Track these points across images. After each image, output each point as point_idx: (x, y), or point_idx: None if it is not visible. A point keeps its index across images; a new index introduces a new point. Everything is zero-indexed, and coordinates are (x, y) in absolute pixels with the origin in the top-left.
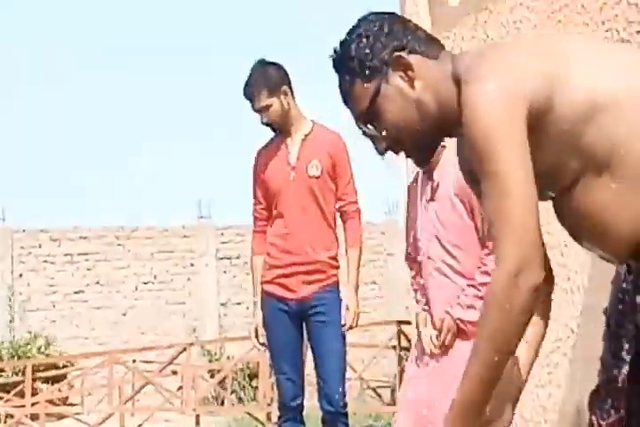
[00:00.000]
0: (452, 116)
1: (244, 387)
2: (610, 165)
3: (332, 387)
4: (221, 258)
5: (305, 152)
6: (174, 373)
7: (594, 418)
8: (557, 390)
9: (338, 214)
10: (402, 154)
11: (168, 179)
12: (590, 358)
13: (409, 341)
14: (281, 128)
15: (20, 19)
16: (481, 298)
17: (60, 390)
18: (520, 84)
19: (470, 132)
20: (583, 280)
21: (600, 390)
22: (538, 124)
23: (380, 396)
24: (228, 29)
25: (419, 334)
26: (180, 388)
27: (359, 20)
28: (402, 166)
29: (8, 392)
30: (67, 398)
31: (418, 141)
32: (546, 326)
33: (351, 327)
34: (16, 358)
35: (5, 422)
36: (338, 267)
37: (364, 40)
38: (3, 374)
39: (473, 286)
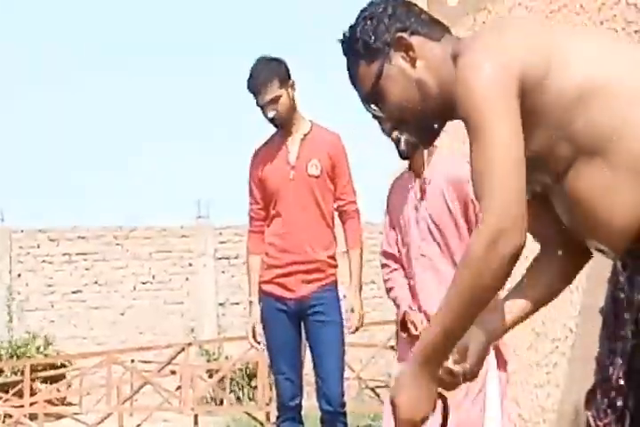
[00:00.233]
0: (452, 96)
1: (242, 387)
2: (602, 151)
3: (331, 387)
4: (220, 258)
5: (305, 151)
6: (173, 373)
7: (590, 418)
8: (556, 389)
9: (336, 214)
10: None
11: (167, 179)
12: (589, 358)
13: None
14: (285, 124)
15: (19, 19)
16: None
17: (58, 390)
18: (512, 58)
19: (460, 96)
20: (582, 280)
21: (596, 389)
22: (529, 102)
23: (378, 396)
24: (228, 29)
25: (401, 333)
26: (179, 388)
27: (367, 4)
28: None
29: (7, 392)
30: (65, 397)
31: (420, 122)
32: (560, 289)
33: (357, 329)
34: (15, 358)
35: (4, 421)
36: (336, 266)
37: (369, 22)
38: (1, 374)
39: None
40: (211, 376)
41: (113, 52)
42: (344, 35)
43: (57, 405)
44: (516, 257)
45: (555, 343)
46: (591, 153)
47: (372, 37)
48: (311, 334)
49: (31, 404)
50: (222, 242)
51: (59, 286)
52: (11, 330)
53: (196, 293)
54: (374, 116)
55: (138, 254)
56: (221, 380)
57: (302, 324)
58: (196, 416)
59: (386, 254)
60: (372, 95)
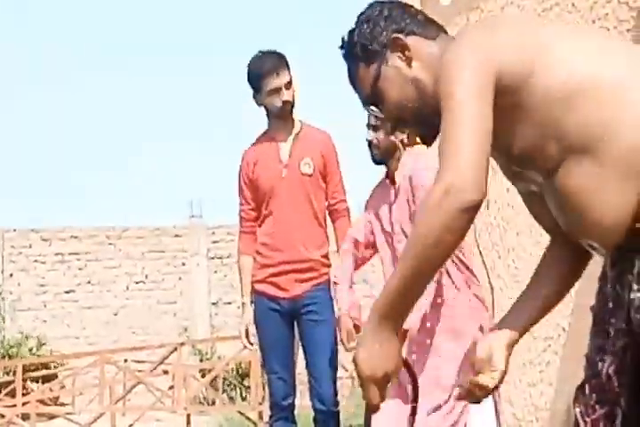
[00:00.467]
0: None
1: (235, 386)
2: (591, 150)
3: (324, 386)
4: (212, 257)
5: (297, 150)
6: (165, 372)
7: (578, 414)
8: (549, 388)
9: (327, 213)
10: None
11: (159, 178)
12: (581, 357)
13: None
14: (289, 114)
15: (20, 19)
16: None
17: (51, 390)
18: (495, 54)
19: (439, 83)
20: None
21: (585, 385)
22: (515, 100)
23: None
24: (229, 29)
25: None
26: (172, 387)
27: (365, 8)
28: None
29: None
30: (58, 397)
31: (420, 120)
32: (569, 286)
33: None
34: (7, 358)
35: None
36: (330, 265)
37: (365, 25)
38: None
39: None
40: (203, 376)
41: (113, 52)
42: (342, 40)
43: (49, 405)
44: (467, 212)
45: (547, 342)
46: (580, 152)
47: (369, 40)
48: (304, 334)
49: (23, 404)
50: (215, 241)
51: (51, 286)
52: (3, 330)
53: (188, 292)
54: (375, 117)
55: (131, 254)
56: (214, 379)
57: (295, 323)
58: (188, 416)
59: (357, 245)
60: (372, 97)
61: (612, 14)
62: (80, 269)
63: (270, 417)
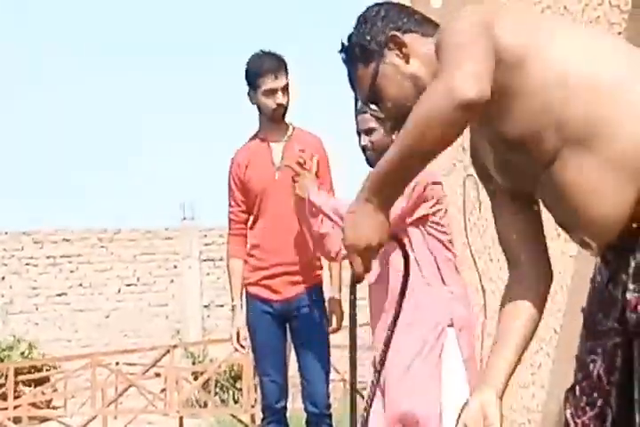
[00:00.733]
0: None
1: (227, 389)
2: (589, 145)
3: (316, 388)
4: (205, 260)
5: (289, 153)
6: (157, 375)
7: (569, 416)
8: (541, 390)
9: None
10: None
11: (151, 181)
12: (573, 359)
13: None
14: (281, 118)
15: (19, 19)
16: None
17: (43, 393)
18: (494, 27)
19: (437, 44)
20: (566, 281)
21: (575, 387)
22: (509, 77)
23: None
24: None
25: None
26: (164, 390)
27: (363, 10)
28: None
29: None
30: (50, 400)
31: None
32: (535, 326)
33: (336, 330)
34: None
35: None
36: (321, 268)
37: (363, 26)
38: None
39: None
40: (196, 379)
41: (113, 52)
42: (342, 43)
43: (41, 408)
44: (465, 108)
45: (539, 344)
46: (578, 145)
47: (367, 40)
48: (296, 336)
49: (15, 407)
50: (207, 244)
51: (43, 289)
52: None
53: (180, 295)
54: (375, 117)
55: (122, 257)
56: (206, 382)
57: (288, 325)
58: (180, 419)
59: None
60: (371, 95)
61: (604, 17)
62: (72, 271)
63: (262, 420)
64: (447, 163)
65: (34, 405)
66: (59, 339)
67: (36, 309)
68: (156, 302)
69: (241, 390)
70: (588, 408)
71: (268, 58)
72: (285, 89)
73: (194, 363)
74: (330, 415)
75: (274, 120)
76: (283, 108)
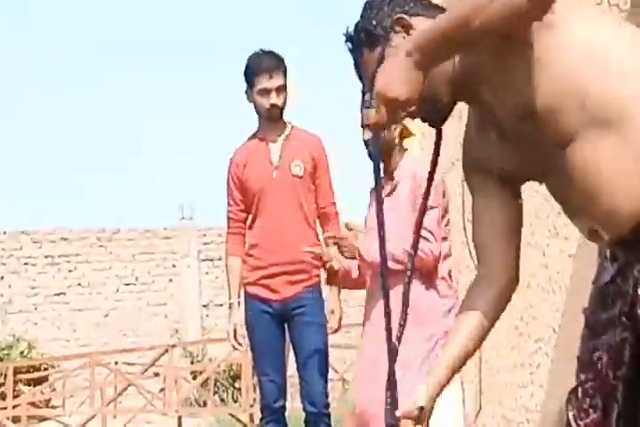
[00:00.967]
0: (455, 73)
1: (226, 388)
2: (615, 126)
3: (315, 388)
4: (203, 259)
5: (287, 152)
6: (156, 374)
7: (571, 418)
8: (540, 390)
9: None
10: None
11: (150, 180)
12: (572, 359)
13: None
14: (277, 118)
15: (19, 19)
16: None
17: (41, 393)
18: None
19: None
20: (565, 280)
21: (577, 389)
22: (533, 39)
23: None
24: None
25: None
26: (163, 389)
27: None
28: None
29: None
30: (49, 400)
31: (426, 103)
32: (489, 328)
33: (337, 330)
34: None
35: None
36: (320, 267)
37: (369, 12)
38: None
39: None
40: (194, 378)
41: (113, 52)
42: (347, 31)
43: (40, 407)
44: (540, 4)
45: (538, 344)
46: (602, 125)
47: (374, 25)
48: (295, 336)
49: (14, 406)
50: (206, 243)
51: (42, 289)
52: None
53: (179, 294)
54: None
55: (121, 256)
56: (205, 381)
57: (286, 325)
58: (179, 418)
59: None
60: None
61: None
62: (70, 271)
63: (261, 419)
64: (446, 162)
65: (33, 404)
66: (57, 338)
67: (35, 308)
68: (155, 302)
69: (240, 389)
70: (591, 410)
71: (267, 57)
72: (280, 89)
73: (192, 362)
74: (328, 415)
75: (269, 119)
76: (277, 109)
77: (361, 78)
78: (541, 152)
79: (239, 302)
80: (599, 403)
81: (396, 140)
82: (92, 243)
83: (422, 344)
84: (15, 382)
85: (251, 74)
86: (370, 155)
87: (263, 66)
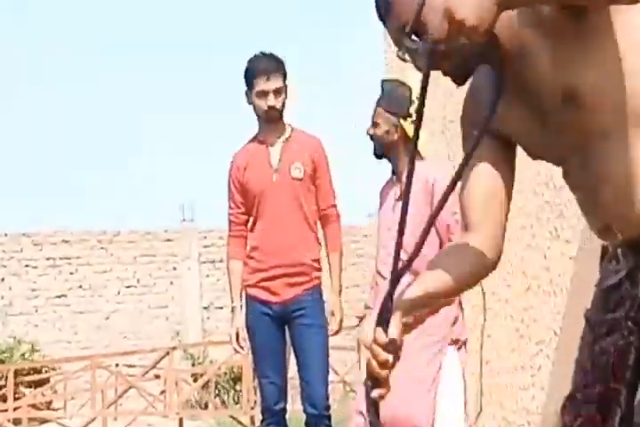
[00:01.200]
0: (507, 35)
1: (227, 391)
2: None
3: (315, 390)
4: (204, 261)
5: (287, 154)
6: (157, 377)
7: (568, 423)
8: (541, 392)
9: (317, 217)
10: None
11: (151, 182)
12: (573, 361)
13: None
14: (274, 120)
15: (19, 19)
16: None
17: (42, 395)
18: None
19: None
20: (566, 283)
21: (576, 394)
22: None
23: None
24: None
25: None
26: (163, 392)
27: None
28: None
29: None
30: (49, 402)
31: (462, 56)
32: (460, 288)
33: (337, 332)
34: None
35: None
36: (320, 269)
37: None
38: None
39: None
40: (195, 380)
41: (113, 52)
42: None
43: (41, 409)
44: None
45: (539, 346)
46: None
47: None
48: (295, 338)
49: (15, 409)
50: (207, 246)
51: (43, 291)
52: None
53: (180, 296)
54: (409, 50)
55: (122, 258)
56: (206, 384)
57: (287, 327)
58: (180, 420)
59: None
60: (413, 26)
61: None
62: (71, 273)
63: (262, 422)
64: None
65: (34, 406)
66: (58, 341)
67: (36, 310)
68: (156, 304)
69: (241, 391)
70: (589, 416)
71: (266, 59)
72: (278, 91)
73: (193, 365)
74: (329, 417)
75: (268, 121)
76: (275, 111)
77: (389, 14)
78: (576, 137)
79: (241, 306)
80: (600, 408)
81: (398, 136)
82: (92, 245)
83: (430, 348)
84: (16, 385)
85: (250, 76)
86: (375, 152)
87: (261, 68)
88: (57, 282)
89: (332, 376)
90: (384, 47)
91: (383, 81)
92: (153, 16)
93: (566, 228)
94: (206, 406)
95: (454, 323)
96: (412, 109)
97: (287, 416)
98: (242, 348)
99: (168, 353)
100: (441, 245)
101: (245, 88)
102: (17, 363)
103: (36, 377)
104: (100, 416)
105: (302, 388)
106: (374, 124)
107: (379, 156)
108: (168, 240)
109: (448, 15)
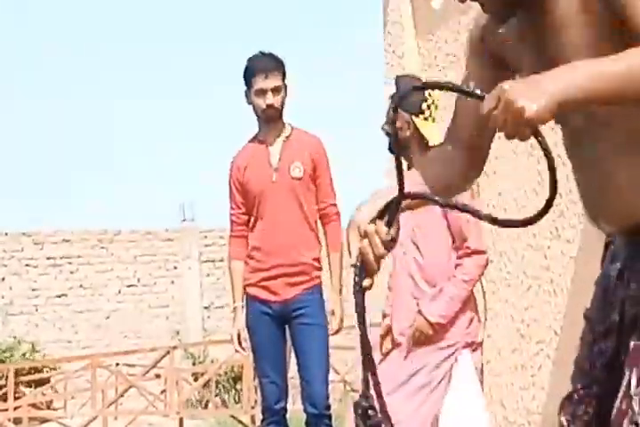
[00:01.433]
0: None
1: (227, 390)
2: None
3: (316, 389)
4: (205, 261)
5: (287, 154)
6: (158, 376)
7: (565, 423)
8: (541, 392)
9: (317, 216)
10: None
11: (151, 182)
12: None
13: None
14: (273, 119)
15: (19, 19)
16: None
17: (43, 394)
18: None
19: None
20: (566, 282)
21: (573, 395)
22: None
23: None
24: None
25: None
26: (164, 391)
27: None
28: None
29: None
30: (50, 401)
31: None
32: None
33: (337, 331)
34: None
35: None
36: (321, 269)
37: None
38: None
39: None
40: (196, 379)
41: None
42: None
43: (41, 409)
44: None
45: (539, 346)
46: None
47: None
48: (296, 337)
49: (15, 408)
50: (207, 245)
51: (43, 290)
52: None
53: (181, 296)
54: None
55: (122, 258)
56: (206, 383)
57: (287, 327)
58: (181, 420)
59: None
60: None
61: None
62: (72, 272)
63: (262, 421)
64: None
65: (34, 406)
66: (59, 340)
67: (36, 310)
68: (157, 304)
69: (241, 390)
70: (586, 417)
71: (264, 58)
72: (277, 90)
73: (194, 364)
74: (329, 416)
75: (267, 120)
76: (273, 109)
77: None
78: (580, 120)
79: (242, 306)
80: (596, 409)
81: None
82: (93, 244)
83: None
84: (16, 384)
85: (249, 75)
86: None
87: (260, 67)
88: (57, 281)
89: (332, 376)
90: (384, 47)
91: (398, 77)
92: (153, 16)
93: (567, 227)
94: (207, 406)
95: (469, 325)
96: (425, 106)
97: (287, 416)
98: (243, 349)
99: (168, 352)
100: (455, 249)
101: (245, 88)
102: (17, 362)
103: (36, 377)
104: (101, 416)
105: (303, 387)
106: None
107: (393, 152)
108: (168, 240)
109: (505, 106)
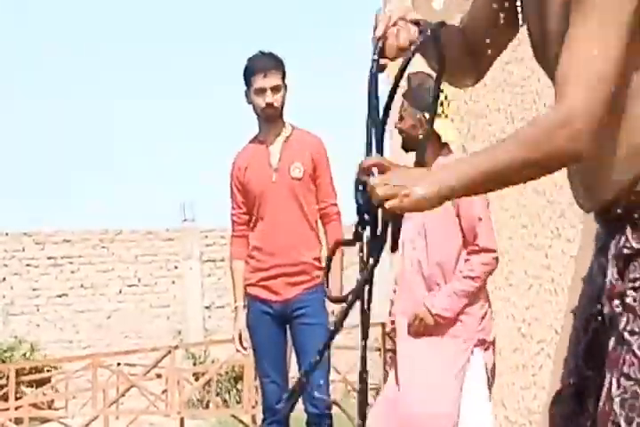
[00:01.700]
0: None
1: (228, 390)
2: (621, 109)
3: (317, 389)
4: (206, 261)
5: (287, 154)
6: (159, 376)
7: (559, 419)
8: (542, 391)
9: (318, 216)
10: None
11: (152, 181)
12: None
13: (394, 343)
14: (272, 118)
15: (19, 19)
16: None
17: (44, 394)
18: None
19: None
20: (567, 281)
21: (562, 391)
22: None
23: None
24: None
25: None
26: (165, 391)
27: None
28: None
29: None
30: (51, 401)
31: None
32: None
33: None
34: (0, 362)
35: None
36: (322, 268)
37: None
38: None
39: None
40: (197, 379)
41: (113, 52)
42: None
43: (42, 409)
44: (572, 158)
45: (540, 345)
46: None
47: None
48: (296, 337)
49: (16, 408)
50: (208, 245)
51: (44, 290)
52: None
53: (182, 296)
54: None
55: (123, 258)
56: (207, 383)
57: (288, 326)
58: (182, 420)
59: None
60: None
61: None
62: (73, 272)
63: (263, 421)
64: None
65: (35, 406)
66: (60, 340)
67: (37, 310)
68: (158, 303)
69: (242, 390)
70: (573, 414)
71: (264, 57)
72: (276, 89)
73: (195, 364)
74: (330, 416)
75: (268, 120)
76: (273, 108)
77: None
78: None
79: (244, 306)
80: (585, 406)
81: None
82: (94, 244)
83: (456, 347)
84: (17, 384)
85: (248, 74)
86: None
87: (259, 65)
88: (58, 281)
89: (333, 375)
90: None
91: (410, 75)
92: (153, 16)
93: (568, 227)
94: (208, 406)
95: (481, 320)
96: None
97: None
98: (245, 349)
99: (169, 352)
100: (465, 245)
101: (245, 87)
102: (18, 362)
103: (37, 376)
104: (102, 415)
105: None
106: (401, 118)
107: (407, 149)
108: (169, 239)
109: (382, 189)
